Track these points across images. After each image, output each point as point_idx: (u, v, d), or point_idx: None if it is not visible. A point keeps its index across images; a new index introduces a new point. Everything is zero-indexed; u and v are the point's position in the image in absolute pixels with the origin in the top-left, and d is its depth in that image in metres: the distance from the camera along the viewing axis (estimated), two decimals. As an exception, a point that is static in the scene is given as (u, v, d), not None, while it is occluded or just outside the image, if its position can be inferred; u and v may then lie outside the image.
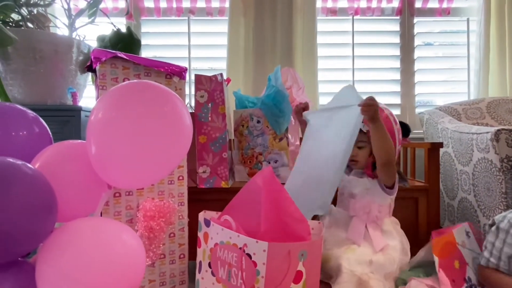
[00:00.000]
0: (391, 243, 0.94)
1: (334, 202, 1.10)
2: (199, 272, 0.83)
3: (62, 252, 0.58)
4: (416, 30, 1.86)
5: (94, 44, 1.46)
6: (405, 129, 1.06)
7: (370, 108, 0.89)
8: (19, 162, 0.58)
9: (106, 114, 0.65)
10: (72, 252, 0.58)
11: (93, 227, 0.63)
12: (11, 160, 0.57)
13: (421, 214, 1.18)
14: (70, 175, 0.69)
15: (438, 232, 1.03)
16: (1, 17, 1.32)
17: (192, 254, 0.99)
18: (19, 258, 0.63)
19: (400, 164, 1.43)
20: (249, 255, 0.73)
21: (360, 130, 0.98)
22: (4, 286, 0.57)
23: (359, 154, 1.00)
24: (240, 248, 0.74)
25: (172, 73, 0.98)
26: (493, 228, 0.92)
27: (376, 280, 0.87)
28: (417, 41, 1.86)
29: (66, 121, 1.20)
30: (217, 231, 0.78)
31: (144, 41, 1.70)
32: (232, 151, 1.35)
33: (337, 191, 1.08)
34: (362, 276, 0.86)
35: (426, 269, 0.99)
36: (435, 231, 1.05)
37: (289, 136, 1.27)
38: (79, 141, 0.79)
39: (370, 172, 1.00)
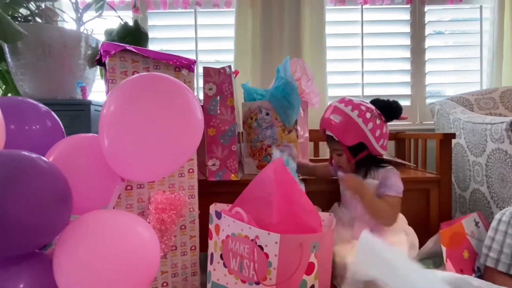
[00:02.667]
0: (395, 239, 0.93)
1: (339, 200, 1.10)
2: (211, 263, 0.84)
3: (79, 244, 0.59)
4: (427, 18, 1.81)
5: (101, 38, 1.46)
6: (392, 110, 1.00)
7: (347, 184, 0.95)
8: (34, 155, 0.58)
9: (118, 107, 0.66)
10: (89, 244, 0.59)
11: (108, 219, 0.64)
12: (26, 153, 0.58)
13: (433, 206, 1.17)
14: (84, 168, 0.70)
15: (448, 223, 1.03)
16: (10, 12, 1.33)
17: (203, 246, 1.00)
18: (36, 250, 0.65)
19: (411, 155, 1.42)
20: (261, 247, 0.73)
21: (333, 138, 0.99)
22: (22, 277, 0.59)
23: (340, 161, 1.03)
24: (252, 240, 0.74)
25: (181, 66, 0.97)
26: (493, 223, 0.91)
27: None
28: (428, 30, 1.82)
29: (76, 115, 1.21)
30: (228, 223, 0.79)
31: (151, 35, 1.70)
32: (241, 143, 1.35)
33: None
34: None
35: (435, 260, 0.99)
36: (444, 222, 1.04)
37: (298, 128, 1.26)
38: (91, 134, 0.79)
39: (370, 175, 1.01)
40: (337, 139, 0.98)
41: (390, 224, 0.94)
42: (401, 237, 0.94)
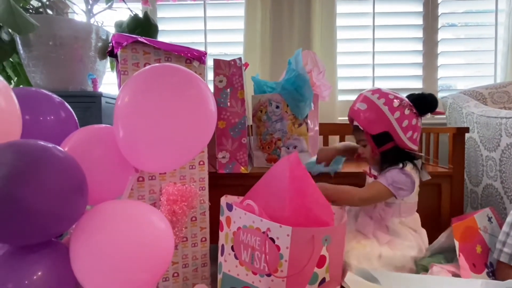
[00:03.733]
0: (398, 240, 0.93)
1: None
2: (222, 255, 0.85)
3: (95, 233, 0.59)
4: (441, 10, 1.77)
5: (111, 30, 1.46)
6: (426, 103, 0.95)
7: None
8: (50, 145, 0.59)
9: (133, 98, 0.66)
10: (105, 233, 0.59)
11: (124, 209, 0.65)
12: (43, 143, 0.58)
13: (444, 201, 1.15)
14: (98, 159, 0.70)
15: (459, 218, 1.01)
16: (22, 4, 1.33)
17: (213, 238, 1.01)
18: (53, 239, 0.66)
19: (422, 149, 1.40)
20: (272, 239, 0.74)
21: (359, 128, 0.96)
22: (40, 265, 0.60)
23: (364, 152, 1.00)
24: (264, 232, 0.74)
25: (192, 58, 0.97)
26: (509, 219, 0.90)
27: None
28: (441, 22, 1.78)
29: (87, 107, 1.21)
30: (240, 215, 0.79)
31: (160, 27, 1.69)
32: (251, 136, 1.35)
33: None
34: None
35: (447, 254, 0.98)
36: (455, 217, 1.03)
37: (309, 121, 1.25)
38: (105, 125, 0.80)
39: (367, 171, 1.01)
40: (362, 128, 0.95)
41: (353, 204, 0.94)
42: (404, 241, 0.94)
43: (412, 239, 0.95)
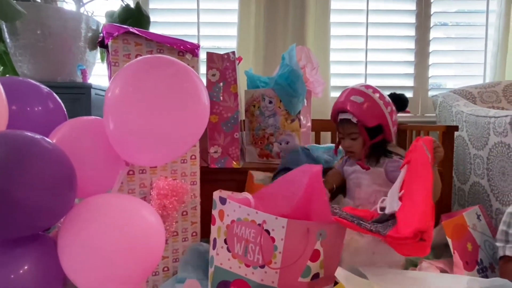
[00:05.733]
0: None
1: (344, 192, 1.10)
2: (214, 248, 0.84)
3: (84, 226, 0.58)
4: (433, 9, 1.79)
5: (102, 20, 1.43)
6: (401, 102, 1.05)
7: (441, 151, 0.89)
8: (38, 136, 0.57)
9: (124, 90, 0.64)
10: (95, 227, 0.58)
11: (113, 203, 0.64)
12: (30, 134, 0.57)
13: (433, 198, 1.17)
14: (87, 151, 0.69)
15: (448, 215, 1.03)
16: (8, -10, 1.29)
17: (204, 233, 1.00)
18: (40, 232, 0.64)
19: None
20: (267, 231, 0.74)
21: (350, 121, 0.98)
22: (27, 258, 0.58)
23: (353, 145, 1.01)
24: (259, 224, 0.74)
25: (185, 50, 0.95)
26: (505, 218, 0.92)
27: None
28: (433, 21, 1.80)
29: (77, 98, 1.19)
30: (234, 208, 0.79)
31: (152, 18, 1.66)
32: (243, 131, 1.34)
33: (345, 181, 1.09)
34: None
35: (436, 251, 1.00)
36: (444, 215, 1.05)
37: (301, 117, 1.25)
38: (95, 117, 0.78)
39: (363, 164, 1.00)
40: (354, 121, 0.97)
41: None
42: None
43: None
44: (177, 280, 0.91)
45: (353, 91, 0.99)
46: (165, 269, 0.97)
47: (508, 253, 0.89)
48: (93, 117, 0.79)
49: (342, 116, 1.01)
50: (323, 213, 0.81)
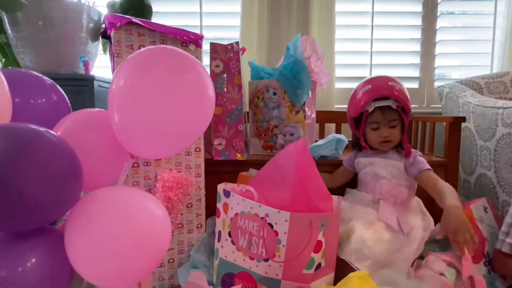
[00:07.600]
0: (414, 222, 0.93)
1: (355, 186, 1.09)
2: (219, 241, 0.85)
3: (91, 219, 0.58)
4: (441, -3, 1.75)
5: (103, 10, 1.41)
6: None
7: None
8: (42, 129, 0.57)
9: (129, 81, 0.63)
10: (102, 220, 0.58)
11: (120, 195, 0.64)
12: (34, 126, 0.56)
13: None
14: (92, 144, 0.68)
15: (455, 207, 1.02)
16: (8, -19, 1.27)
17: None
18: (47, 226, 0.64)
19: (418, 138, 1.40)
20: (270, 225, 0.74)
21: (390, 108, 0.96)
22: (34, 251, 0.58)
23: (393, 133, 0.98)
24: (262, 218, 0.74)
25: (188, 41, 0.94)
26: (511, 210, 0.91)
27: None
28: (439, 10, 1.76)
29: (80, 90, 1.18)
30: (237, 201, 0.79)
31: (154, 8, 1.64)
32: (247, 123, 1.33)
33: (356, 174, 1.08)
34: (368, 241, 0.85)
35: (441, 243, 0.99)
36: (451, 207, 1.04)
37: (306, 109, 1.24)
38: (99, 109, 0.77)
39: (409, 149, 0.98)
40: (394, 107, 0.96)
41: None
42: (418, 223, 0.94)
43: (420, 218, 0.96)
44: (191, 266, 0.94)
45: (386, 78, 1.00)
46: (171, 260, 0.98)
47: (504, 249, 0.89)
48: (98, 109, 0.78)
49: (380, 103, 0.97)
50: (322, 193, 0.81)
